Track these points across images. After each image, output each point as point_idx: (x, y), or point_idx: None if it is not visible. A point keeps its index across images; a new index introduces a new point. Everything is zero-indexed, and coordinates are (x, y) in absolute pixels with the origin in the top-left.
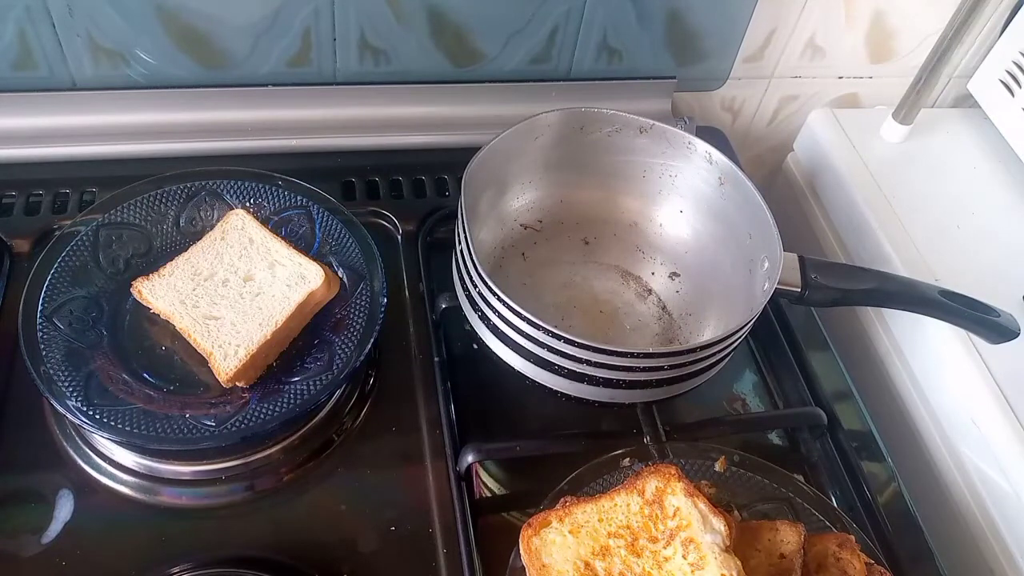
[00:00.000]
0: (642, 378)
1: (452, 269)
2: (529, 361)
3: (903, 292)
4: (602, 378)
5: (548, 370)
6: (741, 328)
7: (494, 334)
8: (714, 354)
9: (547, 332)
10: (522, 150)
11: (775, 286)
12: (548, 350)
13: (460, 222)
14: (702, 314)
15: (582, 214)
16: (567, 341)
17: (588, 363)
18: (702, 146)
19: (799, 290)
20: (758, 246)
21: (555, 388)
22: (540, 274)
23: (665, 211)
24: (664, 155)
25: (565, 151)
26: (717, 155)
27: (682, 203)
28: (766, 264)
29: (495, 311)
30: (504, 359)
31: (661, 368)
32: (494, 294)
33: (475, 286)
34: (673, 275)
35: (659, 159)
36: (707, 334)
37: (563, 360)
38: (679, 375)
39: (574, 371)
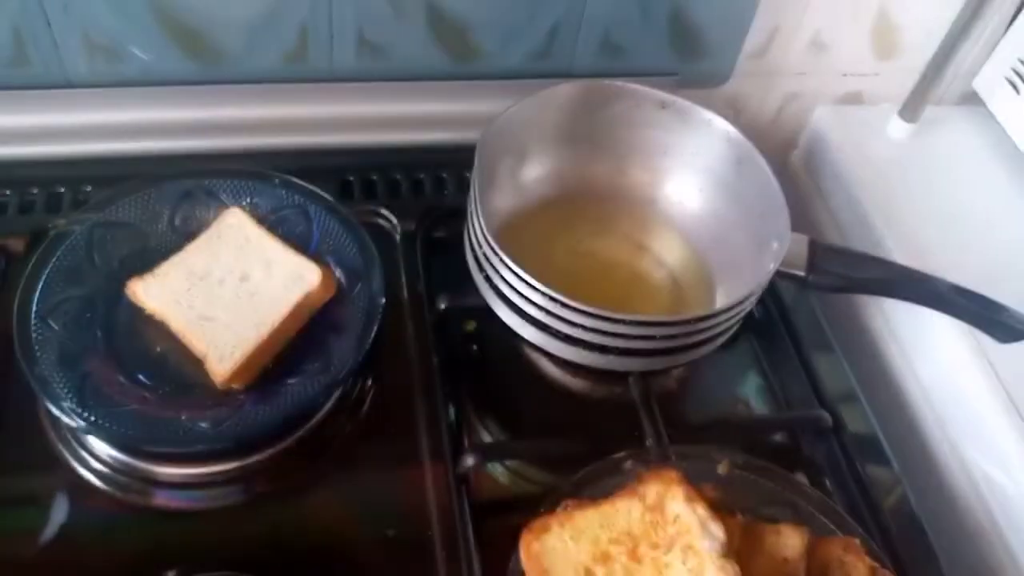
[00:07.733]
0: (634, 346)
1: (464, 238)
2: (527, 323)
3: (913, 284)
4: (596, 344)
5: (545, 332)
6: (734, 306)
7: (496, 295)
8: (706, 328)
9: (542, 293)
10: (540, 120)
11: (778, 266)
12: (546, 313)
13: (473, 185)
14: (714, 290)
15: (601, 185)
16: (563, 304)
17: (583, 328)
18: (721, 124)
19: (804, 274)
20: (770, 226)
21: (551, 352)
22: (555, 242)
23: (683, 187)
24: (683, 131)
25: (585, 123)
26: (735, 133)
27: (700, 180)
28: (775, 245)
29: (496, 272)
30: (507, 322)
31: (653, 338)
32: (496, 254)
33: (480, 246)
34: (687, 250)
35: (678, 135)
36: None
37: (559, 324)
38: (671, 346)
39: (570, 335)
